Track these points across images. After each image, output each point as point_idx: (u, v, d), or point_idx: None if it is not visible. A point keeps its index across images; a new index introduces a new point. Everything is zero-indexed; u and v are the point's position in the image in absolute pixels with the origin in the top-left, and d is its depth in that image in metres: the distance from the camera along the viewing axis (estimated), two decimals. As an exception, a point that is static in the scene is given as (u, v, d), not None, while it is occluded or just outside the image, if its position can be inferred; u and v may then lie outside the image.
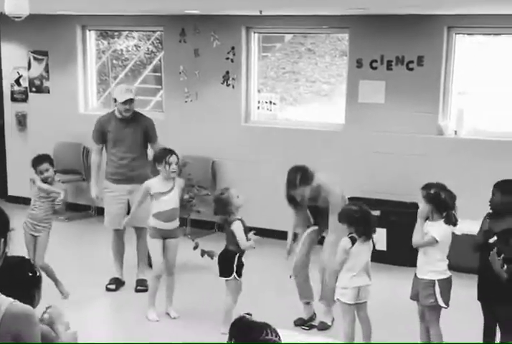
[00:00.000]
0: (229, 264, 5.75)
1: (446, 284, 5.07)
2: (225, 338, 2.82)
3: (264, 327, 2.79)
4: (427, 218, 5.09)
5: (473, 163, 7.55)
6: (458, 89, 7.84)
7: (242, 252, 5.76)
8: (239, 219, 5.78)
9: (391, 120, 7.91)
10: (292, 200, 5.88)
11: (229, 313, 5.71)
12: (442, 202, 5.02)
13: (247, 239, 5.72)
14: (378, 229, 7.43)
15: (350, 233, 5.19)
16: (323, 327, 5.93)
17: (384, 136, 7.96)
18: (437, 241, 4.99)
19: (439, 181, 5.12)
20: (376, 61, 7.86)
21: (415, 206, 7.57)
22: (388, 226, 7.49)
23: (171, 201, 6.11)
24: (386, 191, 7.81)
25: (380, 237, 7.51)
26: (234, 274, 5.73)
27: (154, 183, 6.14)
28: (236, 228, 5.72)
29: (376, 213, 7.60)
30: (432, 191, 5.04)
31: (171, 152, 6.13)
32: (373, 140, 8.02)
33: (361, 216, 5.17)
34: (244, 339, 2.78)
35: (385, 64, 7.83)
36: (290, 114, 8.91)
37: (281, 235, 6.20)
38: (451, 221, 5.04)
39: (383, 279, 6.27)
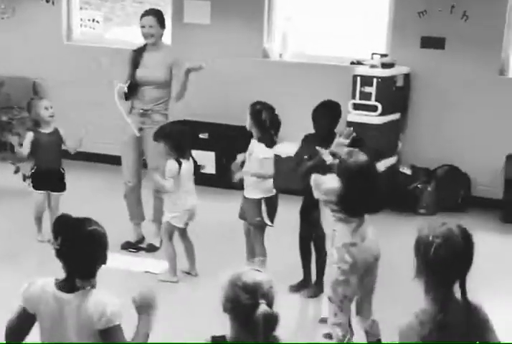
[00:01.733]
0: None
1: (272, 203, 5.21)
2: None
3: (87, 219, 2.87)
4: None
5: (297, 86, 7.69)
6: (284, 12, 7.89)
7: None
8: (35, 131, 5.69)
9: (217, 41, 7.85)
10: None
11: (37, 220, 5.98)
12: (261, 120, 5.11)
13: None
14: (207, 153, 7.57)
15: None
16: (151, 248, 5.98)
17: (209, 58, 7.91)
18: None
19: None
20: (201, -21, 7.74)
21: (242, 128, 7.76)
22: (216, 149, 7.54)
23: None
24: (214, 114, 7.81)
25: (209, 161, 7.58)
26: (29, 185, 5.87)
27: None
28: (26, 137, 5.72)
29: (205, 136, 7.67)
30: (257, 107, 5.13)
31: None
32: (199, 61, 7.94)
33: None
34: (73, 233, 2.81)
35: (210, -16, 7.72)
36: (117, 34, 8.65)
37: (104, 158, 6.14)
38: (266, 141, 5.14)
39: (212, 202, 6.33)
